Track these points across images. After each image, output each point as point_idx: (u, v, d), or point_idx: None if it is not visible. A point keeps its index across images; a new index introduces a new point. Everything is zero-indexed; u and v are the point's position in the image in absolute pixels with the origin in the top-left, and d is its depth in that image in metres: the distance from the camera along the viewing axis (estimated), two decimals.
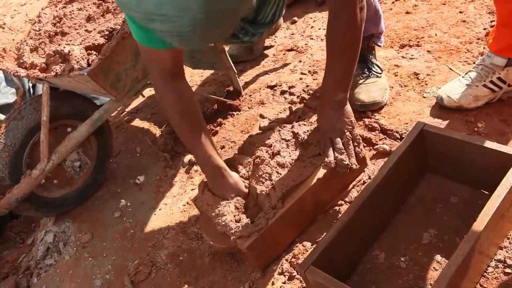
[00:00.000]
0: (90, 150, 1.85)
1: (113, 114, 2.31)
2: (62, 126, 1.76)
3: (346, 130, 1.40)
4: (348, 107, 1.44)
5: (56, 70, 1.53)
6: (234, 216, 1.35)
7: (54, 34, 1.84)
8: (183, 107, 1.41)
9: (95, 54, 1.62)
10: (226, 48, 2.00)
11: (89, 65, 1.53)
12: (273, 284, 1.35)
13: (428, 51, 1.97)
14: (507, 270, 1.17)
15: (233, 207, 1.37)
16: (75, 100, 1.77)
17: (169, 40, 0.97)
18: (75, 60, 1.56)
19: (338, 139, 1.39)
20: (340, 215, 1.43)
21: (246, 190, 1.42)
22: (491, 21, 2.02)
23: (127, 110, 2.35)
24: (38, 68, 1.67)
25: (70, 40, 1.74)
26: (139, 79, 1.69)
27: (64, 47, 1.60)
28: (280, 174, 1.41)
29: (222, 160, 1.45)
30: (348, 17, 1.32)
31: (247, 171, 1.48)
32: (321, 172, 1.40)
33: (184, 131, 1.44)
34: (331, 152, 1.38)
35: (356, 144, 1.41)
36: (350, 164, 1.36)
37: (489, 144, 1.23)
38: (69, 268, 1.67)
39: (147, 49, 1.33)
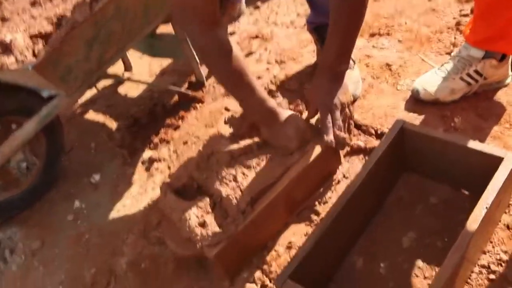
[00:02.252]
0: (38, 147, 1.69)
1: None
2: (5, 123, 1.59)
3: (345, 105, 1.33)
4: (346, 81, 1.36)
5: None
6: (198, 218, 1.24)
7: None
8: (228, 54, 1.31)
9: (42, 44, 1.46)
10: None
11: (34, 55, 1.37)
12: None
13: (399, 41, 1.90)
14: (491, 276, 1.11)
15: (196, 209, 1.26)
16: (20, 94, 1.60)
17: None
18: (18, 50, 1.40)
19: (338, 114, 1.31)
20: (315, 218, 1.35)
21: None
22: (460, 10, 1.97)
23: (80, 101, 2.17)
24: None
25: (12, 27, 1.56)
26: (93, 71, 1.53)
27: (5, 35, 1.43)
28: (246, 176, 1.31)
29: (274, 102, 1.39)
30: None
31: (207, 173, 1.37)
32: (293, 172, 1.31)
33: (233, 79, 1.35)
34: (331, 129, 1.29)
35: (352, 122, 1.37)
36: (350, 141, 1.32)
37: (472, 144, 1.17)
38: (16, 279, 1.53)
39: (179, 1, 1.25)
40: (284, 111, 1.39)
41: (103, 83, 2.20)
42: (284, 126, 1.36)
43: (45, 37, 1.45)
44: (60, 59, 1.35)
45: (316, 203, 1.39)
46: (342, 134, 1.30)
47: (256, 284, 1.27)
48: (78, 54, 1.41)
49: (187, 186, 1.39)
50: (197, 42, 1.35)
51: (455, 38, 1.84)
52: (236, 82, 1.35)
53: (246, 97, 1.36)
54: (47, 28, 1.48)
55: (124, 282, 1.41)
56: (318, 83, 1.34)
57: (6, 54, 1.40)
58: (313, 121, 1.41)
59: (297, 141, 1.35)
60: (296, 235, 1.34)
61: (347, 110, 1.33)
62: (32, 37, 1.47)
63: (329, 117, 1.30)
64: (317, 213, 1.37)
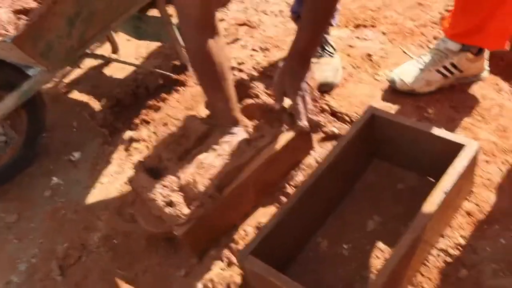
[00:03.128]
0: (19, 124, 1.69)
1: (49, 85, 2.14)
2: None
3: (313, 90, 1.36)
4: (312, 67, 1.38)
5: None
6: (164, 197, 1.26)
7: None
8: (209, 59, 1.37)
9: (26, 20, 1.46)
10: (174, 20, 1.87)
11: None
12: (210, 270, 1.28)
13: (383, 33, 1.92)
14: (448, 259, 1.14)
15: (161, 188, 1.28)
16: (3, 70, 1.61)
17: None
18: (1, 24, 1.40)
19: (309, 98, 1.33)
20: (284, 200, 1.37)
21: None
22: (446, 5, 1.99)
23: (65, 81, 2.19)
24: None
25: None
26: (75, 49, 1.55)
27: None
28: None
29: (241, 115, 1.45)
30: None
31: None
32: (264, 156, 1.33)
33: (205, 84, 1.44)
34: (304, 114, 1.32)
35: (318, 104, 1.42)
36: (324, 124, 1.43)
37: (438, 131, 1.20)
38: None
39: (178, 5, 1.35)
40: (240, 129, 1.42)
41: (89, 64, 2.22)
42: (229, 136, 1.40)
43: (28, 13, 1.46)
44: (40, 34, 1.36)
45: (287, 185, 1.41)
46: (316, 118, 1.32)
47: (223, 262, 1.29)
48: (59, 30, 1.41)
49: (159, 166, 1.41)
50: (185, 37, 1.44)
51: (439, 32, 1.85)
52: (207, 87, 1.43)
53: (217, 102, 1.42)
54: (32, 4, 1.49)
55: (96, 256, 1.42)
56: (289, 69, 1.34)
57: None
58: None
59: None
60: (266, 216, 1.35)
61: (315, 93, 1.34)
62: (16, 12, 1.48)
63: (301, 102, 1.32)
64: (288, 196, 1.39)
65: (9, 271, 1.46)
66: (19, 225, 1.59)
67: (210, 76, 1.39)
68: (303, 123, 1.30)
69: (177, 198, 1.26)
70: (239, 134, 1.40)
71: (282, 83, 1.34)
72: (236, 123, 1.42)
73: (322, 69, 1.67)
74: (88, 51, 1.77)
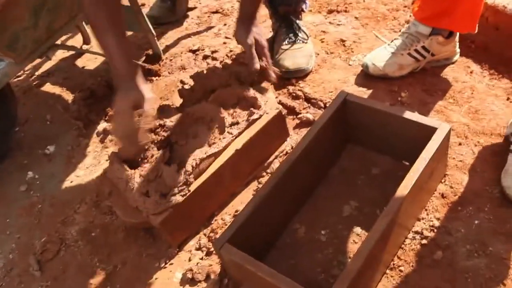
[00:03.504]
0: None
1: (21, 78, 2.10)
2: None
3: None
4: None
5: None
6: (141, 187, 1.25)
7: None
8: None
9: None
10: (146, 10, 1.85)
11: None
12: (190, 260, 1.28)
13: (355, 18, 1.92)
14: (424, 241, 1.16)
15: (139, 178, 1.27)
16: None
17: None
18: None
19: (265, 42, 1.45)
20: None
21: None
22: None
23: (37, 73, 2.14)
24: None
25: None
26: (43, 40, 1.52)
27: None
28: (190, 146, 1.32)
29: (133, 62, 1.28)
30: None
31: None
32: (239, 143, 1.33)
33: (100, 22, 1.22)
34: (256, 58, 1.41)
35: None
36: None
37: (410, 115, 1.21)
38: None
39: None
40: (138, 90, 1.24)
41: (61, 55, 2.18)
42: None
43: None
44: (4, 25, 1.32)
45: (264, 173, 1.42)
46: (275, 68, 1.47)
47: (202, 251, 1.29)
48: (24, 21, 1.38)
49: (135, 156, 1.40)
50: None
51: (410, 16, 1.87)
52: (102, 27, 1.23)
53: (110, 47, 1.24)
54: None
55: (74, 250, 1.41)
56: (245, 27, 1.43)
57: None
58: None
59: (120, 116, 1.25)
60: (243, 204, 1.35)
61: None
62: None
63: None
64: None
65: None
66: None
67: (107, 20, 1.21)
68: (274, 76, 1.44)
69: (154, 187, 1.25)
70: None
71: (251, 42, 1.42)
72: (130, 80, 1.24)
73: (295, 55, 1.67)
74: (58, 42, 1.74)
